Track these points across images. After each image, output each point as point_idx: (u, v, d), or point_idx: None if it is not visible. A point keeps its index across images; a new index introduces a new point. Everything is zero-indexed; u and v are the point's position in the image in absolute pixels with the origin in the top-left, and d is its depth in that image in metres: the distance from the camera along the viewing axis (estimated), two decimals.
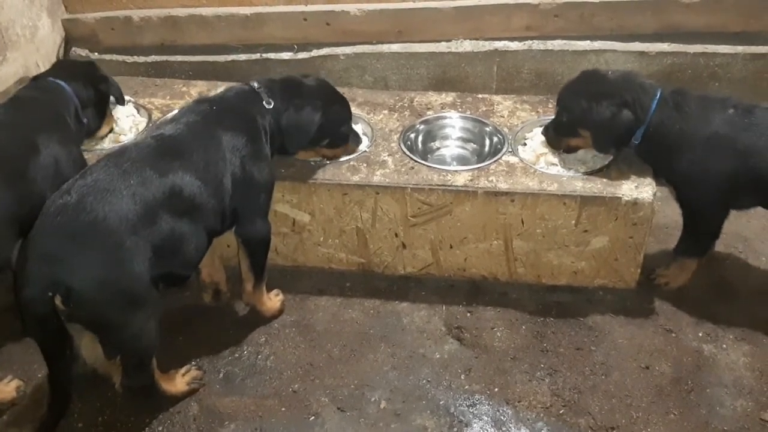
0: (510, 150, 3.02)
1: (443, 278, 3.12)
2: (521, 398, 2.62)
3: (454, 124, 3.30)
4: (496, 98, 3.41)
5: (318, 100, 2.82)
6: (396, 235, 3.01)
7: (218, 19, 3.79)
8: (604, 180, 2.83)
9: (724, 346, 2.79)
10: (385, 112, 3.33)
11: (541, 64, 3.67)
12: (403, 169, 2.94)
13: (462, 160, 3.20)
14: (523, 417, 2.55)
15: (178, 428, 2.55)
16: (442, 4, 3.67)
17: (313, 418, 2.57)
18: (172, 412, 2.60)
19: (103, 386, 2.57)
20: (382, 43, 3.75)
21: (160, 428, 2.55)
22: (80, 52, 3.89)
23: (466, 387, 2.67)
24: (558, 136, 2.95)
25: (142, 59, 3.87)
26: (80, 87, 2.92)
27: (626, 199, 2.75)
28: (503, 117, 3.26)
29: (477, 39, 3.71)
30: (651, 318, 2.91)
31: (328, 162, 2.99)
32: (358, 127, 3.13)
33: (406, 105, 3.38)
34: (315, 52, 3.77)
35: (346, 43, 3.76)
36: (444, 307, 3.01)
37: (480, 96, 3.44)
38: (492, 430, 2.52)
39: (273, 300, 2.97)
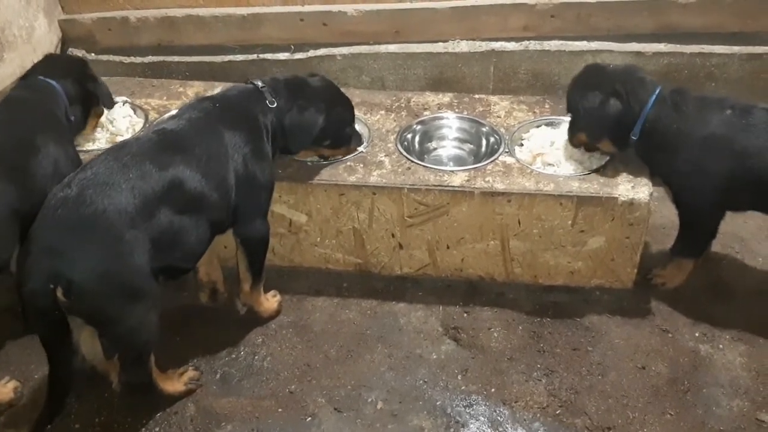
0: (507, 150, 3.03)
1: (440, 279, 3.12)
2: (518, 398, 2.62)
3: (451, 124, 3.30)
4: (493, 99, 3.42)
5: (322, 101, 2.82)
6: (393, 235, 3.01)
7: (215, 20, 3.78)
8: (601, 180, 2.84)
9: (721, 346, 2.80)
10: (382, 112, 3.33)
11: (537, 65, 3.67)
12: (399, 170, 2.95)
13: (459, 161, 3.21)
14: (519, 417, 2.56)
15: (175, 429, 2.55)
16: (439, 5, 3.67)
17: (310, 418, 2.57)
18: (169, 413, 2.60)
19: (101, 387, 2.59)
20: (379, 43, 3.75)
21: (157, 429, 2.55)
22: (77, 52, 3.88)
23: (463, 387, 2.67)
24: (571, 132, 2.97)
25: (139, 60, 3.86)
26: (68, 84, 2.92)
27: (623, 199, 2.76)
28: (500, 117, 3.26)
29: (474, 39, 3.71)
30: (648, 318, 2.92)
31: (325, 162, 2.99)
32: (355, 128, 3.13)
33: (402, 105, 3.38)
34: (312, 53, 3.77)
35: (343, 44, 3.76)
36: (441, 308, 3.01)
37: (477, 96, 3.44)
38: (489, 430, 2.52)
39: (270, 300, 2.97)
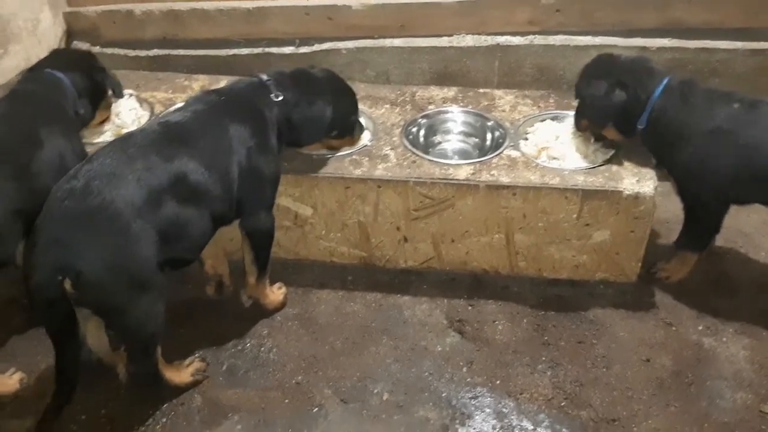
0: (511, 144, 3.04)
1: (445, 272, 3.13)
2: (523, 391, 2.64)
3: (456, 118, 3.31)
4: (498, 93, 3.42)
5: (328, 93, 2.84)
6: (398, 228, 3.02)
7: (220, 13, 3.79)
8: (606, 174, 2.85)
9: (724, 339, 2.81)
10: (387, 106, 3.34)
11: (542, 59, 3.68)
12: (405, 163, 2.95)
13: (463, 154, 3.22)
14: (524, 409, 2.57)
15: (182, 420, 2.56)
16: None
17: (316, 409, 2.59)
18: (175, 404, 2.61)
19: (107, 378, 2.59)
20: (384, 37, 3.75)
21: (164, 420, 2.56)
22: (82, 45, 3.89)
23: (468, 379, 2.69)
24: (577, 117, 3.00)
25: (143, 53, 3.87)
26: (76, 78, 2.91)
27: (628, 193, 2.77)
28: (505, 111, 3.27)
29: (479, 34, 3.71)
30: (652, 311, 2.93)
31: (330, 155, 3.00)
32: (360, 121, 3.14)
33: (407, 99, 3.39)
34: (317, 47, 3.77)
35: (348, 38, 3.76)
36: (445, 301, 3.03)
37: (481, 90, 3.45)
38: (494, 422, 2.53)
39: (276, 293, 2.98)
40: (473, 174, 2.88)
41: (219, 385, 2.68)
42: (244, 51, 3.83)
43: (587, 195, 2.79)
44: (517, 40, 3.68)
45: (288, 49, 3.80)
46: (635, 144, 2.93)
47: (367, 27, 3.75)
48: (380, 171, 2.92)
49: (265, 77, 2.78)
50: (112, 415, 2.59)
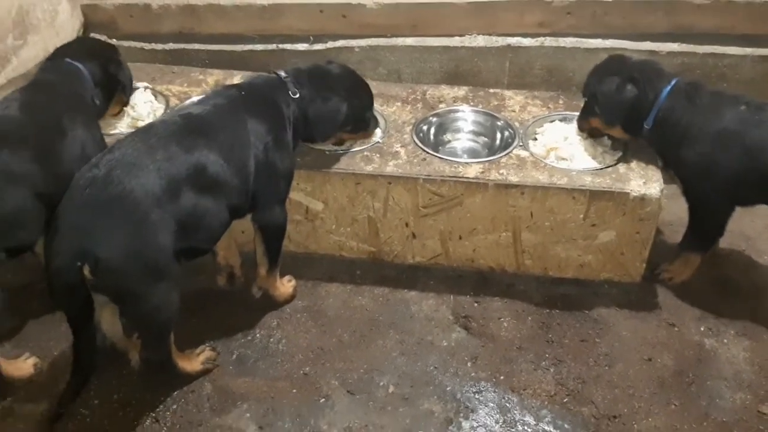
0: (521, 144, 3.08)
1: (451, 268, 3.18)
2: (526, 386, 2.68)
3: (466, 117, 3.36)
4: (508, 93, 3.46)
5: (344, 89, 2.89)
6: (406, 224, 3.07)
7: (236, 9, 3.83)
8: (613, 175, 2.89)
9: (725, 340, 2.85)
10: (399, 104, 3.39)
11: (552, 61, 3.71)
12: (415, 161, 3.00)
13: (473, 153, 3.26)
14: (527, 404, 2.61)
15: (192, 407, 2.62)
16: (456, 0, 3.72)
17: (323, 400, 2.64)
18: (186, 391, 2.66)
19: (119, 364, 2.65)
20: (397, 36, 3.79)
21: (174, 406, 2.62)
22: (99, 37, 3.93)
23: (473, 374, 2.73)
24: (582, 116, 3.04)
25: (160, 46, 3.91)
26: (94, 68, 2.95)
27: (634, 194, 2.81)
28: (514, 112, 3.31)
29: (490, 34, 3.75)
30: (655, 312, 2.97)
31: (342, 151, 3.05)
32: None
33: (419, 98, 3.44)
34: (330, 44, 3.81)
35: (361, 36, 3.80)
36: (452, 297, 3.07)
37: (492, 90, 3.49)
38: (497, 416, 2.58)
39: (285, 285, 3.03)
40: (482, 173, 2.92)
41: (229, 373, 2.74)
42: (259, 47, 3.87)
43: (594, 196, 2.84)
44: (527, 42, 3.72)
45: (302, 46, 3.84)
46: (642, 146, 2.97)
47: (380, 26, 3.79)
48: (391, 168, 2.97)
49: (283, 74, 2.83)
50: (124, 400, 2.64)
